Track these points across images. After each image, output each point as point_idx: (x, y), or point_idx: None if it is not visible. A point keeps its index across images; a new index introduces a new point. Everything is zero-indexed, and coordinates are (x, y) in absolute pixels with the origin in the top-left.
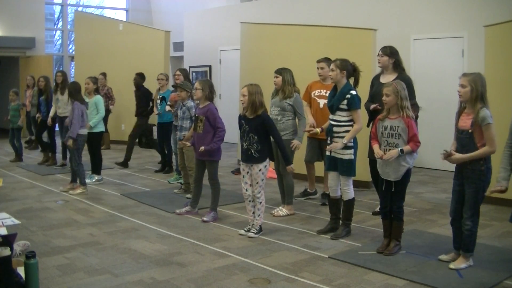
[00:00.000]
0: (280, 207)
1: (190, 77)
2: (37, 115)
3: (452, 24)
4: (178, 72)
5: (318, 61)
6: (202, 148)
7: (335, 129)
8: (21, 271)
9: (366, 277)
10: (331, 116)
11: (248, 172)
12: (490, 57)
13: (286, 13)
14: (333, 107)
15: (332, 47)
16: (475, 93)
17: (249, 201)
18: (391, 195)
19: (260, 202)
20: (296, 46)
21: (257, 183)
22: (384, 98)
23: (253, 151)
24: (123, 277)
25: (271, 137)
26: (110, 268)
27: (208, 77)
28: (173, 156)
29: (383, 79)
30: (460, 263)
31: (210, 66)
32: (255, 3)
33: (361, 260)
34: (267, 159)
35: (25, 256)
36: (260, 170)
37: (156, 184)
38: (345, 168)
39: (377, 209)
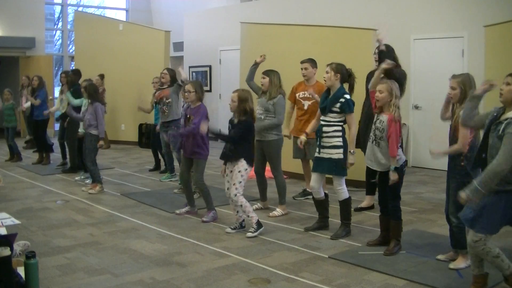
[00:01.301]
0: (276, 209)
1: (190, 77)
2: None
3: (452, 24)
4: (165, 71)
5: (302, 62)
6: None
7: (324, 128)
8: (21, 271)
9: (366, 277)
10: (322, 117)
11: (231, 172)
12: (490, 57)
13: (286, 13)
14: (325, 109)
15: (332, 47)
16: (463, 95)
17: (232, 200)
18: (387, 193)
19: (241, 205)
20: (296, 46)
21: (234, 184)
22: (377, 94)
23: (227, 150)
24: (123, 277)
25: (250, 142)
26: (110, 268)
27: (208, 77)
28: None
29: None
30: (460, 263)
31: (210, 66)
32: (255, 3)
33: (361, 260)
34: (245, 162)
35: (25, 256)
36: (239, 172)
37: (156, 184)
38: (335, 167)
39: (360, 205)
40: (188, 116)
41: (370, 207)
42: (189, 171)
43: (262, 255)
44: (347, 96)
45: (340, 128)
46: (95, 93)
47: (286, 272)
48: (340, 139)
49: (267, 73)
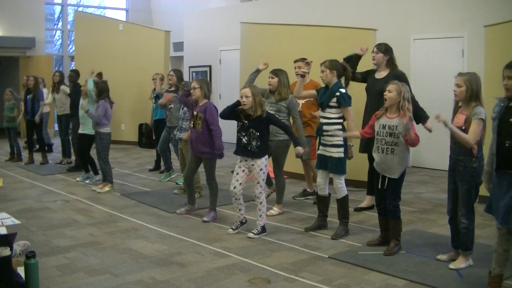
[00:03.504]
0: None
1: (191, 77)
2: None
3: (452, 24)
4: (171, 73)
5: (295, 61)
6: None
7: (325, 127)
8: (21, 271)
9: (366, 277)
10: (321, 114)
11: (244, 171)
12: (490, 57)
13: (286, 13)
14: (323, 104)
15: (332, 47)
16: (469, 93)
17: (236, 198)
18: (386, 193)
19: (261, 203)
20: (296, 46)
21: (258, 182)
22: (386, 93)
23: (252, 147)
24: (123, 277)
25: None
26: (110, 268)
27: (208, 77)
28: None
29: (378, 75)
30: (460, 263)
31: (210, 66)
32: (255, 3)
33: (361, 260)
34: (266, 157)
35: (25, 256)
36: (261, 170)
37: (156, 184)
38: (335, 166)
39: (360, 205)
40: (196, 114)
41: (370, 207)
42: (195, 169)
43: (262, 255)
44: (343, 90)
45: (340, 127)
46: (104, 91)
47: (286, 272)
48: (341, 137)
49: (275, 72)
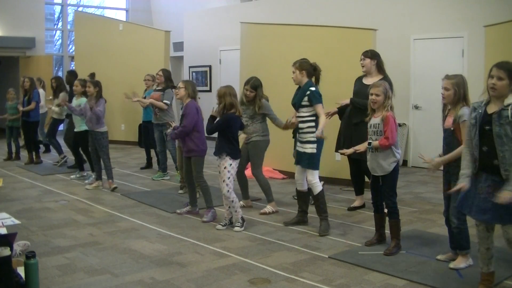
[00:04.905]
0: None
1: (190, 77)
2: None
3: (452, 24)
4: (160, 73)
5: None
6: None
7: (300, 125)
8: (21, 271)
9: (366, 277)
10: (297, 114)
11: (218, 167)
12: (490, 57)
13: (286, 13)
14: (295, 105)
15: (332, 47)
16: (457, 96)
17: (224, 195)
18: (382, 190)
19: (232, 201)
20: (296, 46)
21: (223, 181)
22: (374, 97)
23: (216, 145)
24: (123, 277)
25: (231, 136)
26: (110, 268)
27: (208, 77)
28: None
29: (366, 81)
30: (460, 263)
31: (210, 66)
32: (255, 3)
33: (361, 260)
34: (228, 158)
35: (25, 256)
36: (225, 168)
37: (156, 184)
38: (307, 161)
39: (353, 205)
40: (182, 114)
41: (362, 206)
42: (191, 170)
43: (262, 255)
44: (312, 88)
45: (313, 124)
46: (101, 90)
47: (286, 272)
48: (313, 134)
49: (254, 87)
